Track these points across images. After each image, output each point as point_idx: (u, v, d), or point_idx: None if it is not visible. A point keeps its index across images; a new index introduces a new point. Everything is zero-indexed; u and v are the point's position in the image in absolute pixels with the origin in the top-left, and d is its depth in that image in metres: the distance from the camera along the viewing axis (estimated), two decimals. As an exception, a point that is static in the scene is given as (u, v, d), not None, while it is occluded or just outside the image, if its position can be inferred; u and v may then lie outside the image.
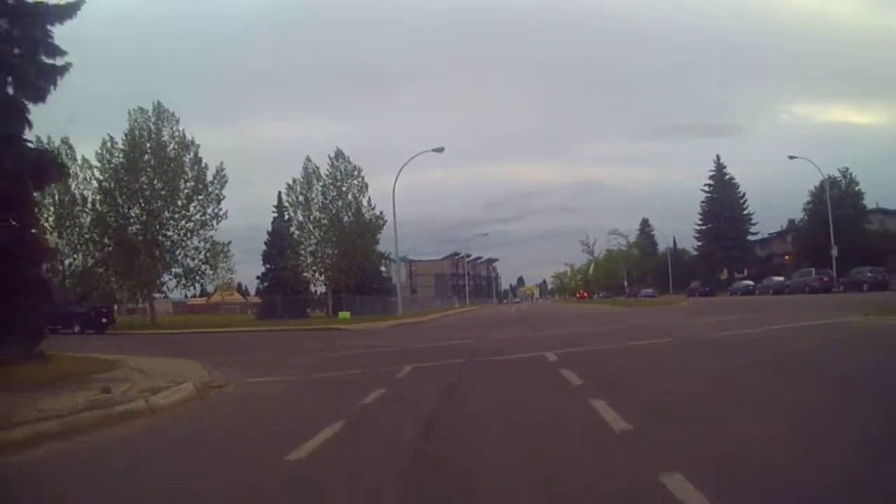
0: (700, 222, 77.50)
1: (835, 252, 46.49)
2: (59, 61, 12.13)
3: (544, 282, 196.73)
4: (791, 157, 48.51)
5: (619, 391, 6.87)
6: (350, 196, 44.26)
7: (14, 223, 11.16)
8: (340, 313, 37.91)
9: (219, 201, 34.04)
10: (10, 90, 11.42)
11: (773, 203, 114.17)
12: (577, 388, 7.34)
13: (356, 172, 44.59)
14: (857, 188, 57.10)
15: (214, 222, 33.90)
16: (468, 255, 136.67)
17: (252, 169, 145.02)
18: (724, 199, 73.44)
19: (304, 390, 9.15)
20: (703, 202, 76.34)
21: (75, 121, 46.33)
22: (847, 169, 57.51)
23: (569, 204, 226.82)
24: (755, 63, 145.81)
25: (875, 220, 60.15)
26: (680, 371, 8.85)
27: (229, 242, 35.27)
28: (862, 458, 3.99)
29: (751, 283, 54.61)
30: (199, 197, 33.63)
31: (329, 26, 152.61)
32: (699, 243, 79.93)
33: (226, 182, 34.47)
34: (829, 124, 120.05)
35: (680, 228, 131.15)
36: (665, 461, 3.95)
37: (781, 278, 48.74)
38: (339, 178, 44.18)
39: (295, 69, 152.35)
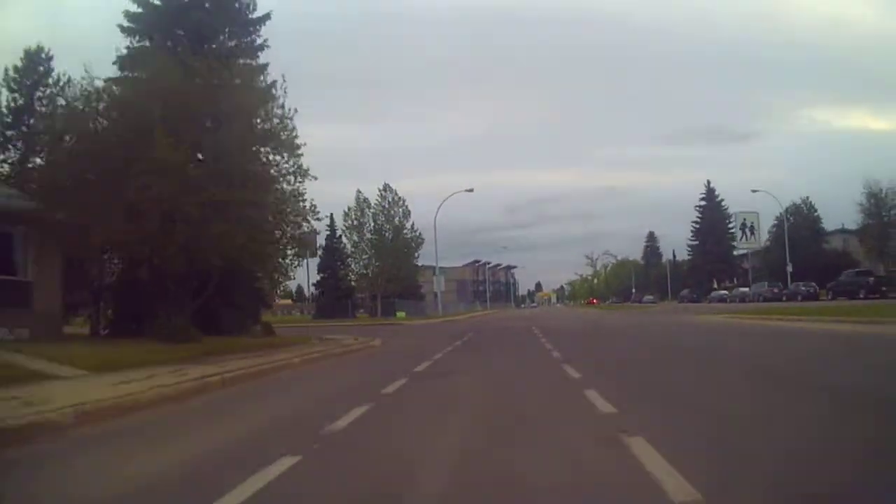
0: (692, 238, 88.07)
1: (790, 269, 56.88)
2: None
3: (561, 287, 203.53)
4: (754, 191, 59.24)
5: (559, 342, 17.97)
6: (396, 220, 55.77)
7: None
8: (397, 313, 49.39)
9: None
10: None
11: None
12: (544, 340, 18.37)
13: (401, 202, 56.21)
14: (815, 214, 67.67)
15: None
16: (488, 263, 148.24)
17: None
18: (712, 218, 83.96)
19: (421, 342, 20.17)
20: (693, 221, 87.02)
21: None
22: (808, 198, 68.21)
23: (588, 209, 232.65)
24: (774, 68, 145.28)
25: (838, 239, 70.33)
26: (596, 346, 20.00)
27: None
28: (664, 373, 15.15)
29: (725, 292, 65.29)
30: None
31: (349, 30, 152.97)
32: (690, 256, 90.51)
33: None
34: (846, 129, 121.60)
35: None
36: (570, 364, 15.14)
37: (746, 289, 59.41)
38: (387, 206, 55.76)
39: (310, 72, 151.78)
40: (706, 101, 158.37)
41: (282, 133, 16.91)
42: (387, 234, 56.16)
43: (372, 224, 56.30)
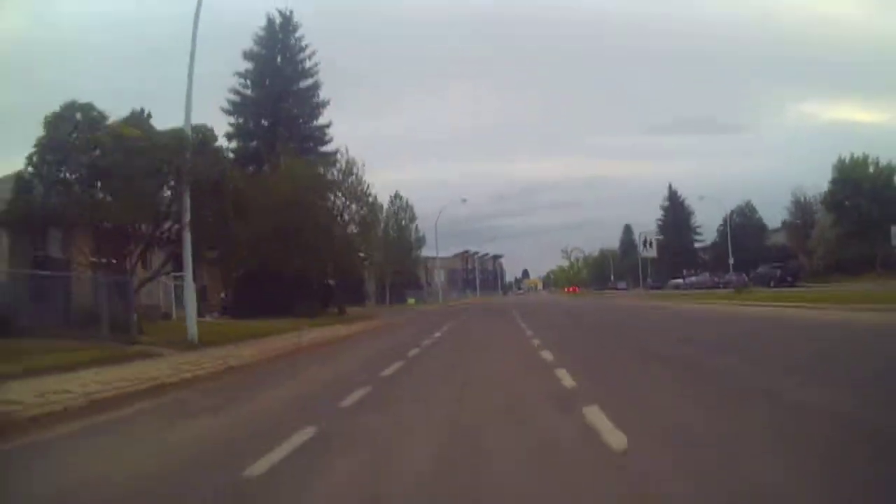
0: (658, 233, 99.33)
1: (731, 261, 68.06)
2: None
3: (548, 274, 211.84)
4: (700, 198, 70.55)
5: (530, 318, 28.80)
6: (403, 222, 66.47)
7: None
8: (408, 300, 60.17)
9: None
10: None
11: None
12: (518, 317, 29.18)
13: (408, 208, 66.92)
14: (757, 215, 79.29)
15: None
16: (477, 253, 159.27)
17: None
18: (675, 216, 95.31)
19: (439, 316, 30.99)
20: (658, 219, 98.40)
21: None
22: (749, 201, 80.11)
23: (575, 198, 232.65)
24: (762, 61, 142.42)
25: (782, 235, 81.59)
26: (549, 314, 30.93)
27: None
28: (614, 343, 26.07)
29: (680, 280, 76.68)
30: None
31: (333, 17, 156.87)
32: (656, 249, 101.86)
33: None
34: (834, 122, 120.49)
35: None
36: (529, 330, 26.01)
37: (694, 278, 70.73)
38: (397, 211, 66.42)
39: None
40: (696, 93, 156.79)
41: (359, 189, 27.75)
42: (393, 233, 66.81)
43: (383, 225, 66.99)
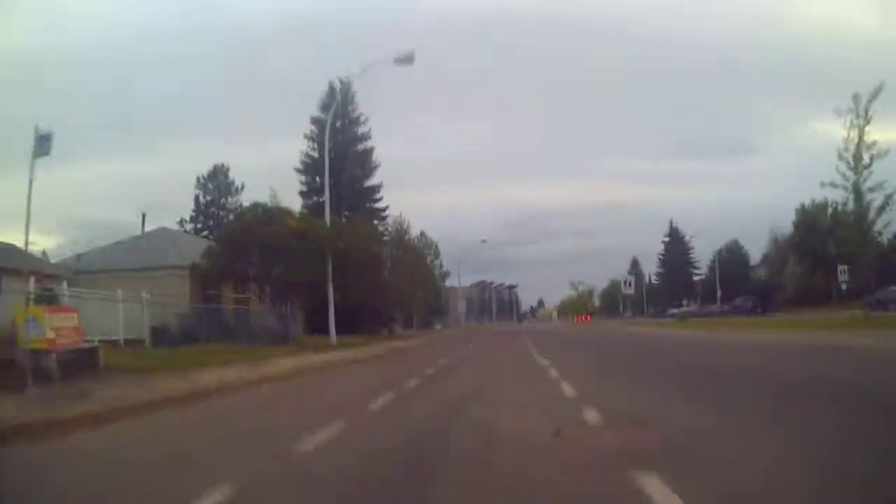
0: (658, 266, 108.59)
1: (719, 293, 77.00)
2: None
3: (562, 303, 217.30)
4: (692, 236, 79.89)
5: (541, 344, 38.27)
6: (430, 259, 76.19)
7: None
8: (436, 326, 69.79)
9: None
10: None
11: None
12: (528, 340, 38.62)
13: (432, 245, 76.62)
14: (743, 250, 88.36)
15: None
16: (493, 283, 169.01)
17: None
18: (674, 251, 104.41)
19: (466, 337, 40.57)
20: (659, 254, 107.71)
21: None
22: (736, 239, 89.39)
23: (589, 225, 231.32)
24: (778, 81, 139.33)
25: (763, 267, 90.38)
26: (555, 338, 40.38)
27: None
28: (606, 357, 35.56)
29: (675, 310, 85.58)
30: None
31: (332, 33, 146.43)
32: (658, 281, 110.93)
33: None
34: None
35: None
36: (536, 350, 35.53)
37: (682, 309, 79.66)
38: (422, 247, 76.25)
39: (298, 79, 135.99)
40: (710, 114, 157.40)
41: (407, 242, 37.58)
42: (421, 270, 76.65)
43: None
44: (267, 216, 24.22)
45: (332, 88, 46.37)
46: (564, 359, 15.75)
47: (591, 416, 6.15)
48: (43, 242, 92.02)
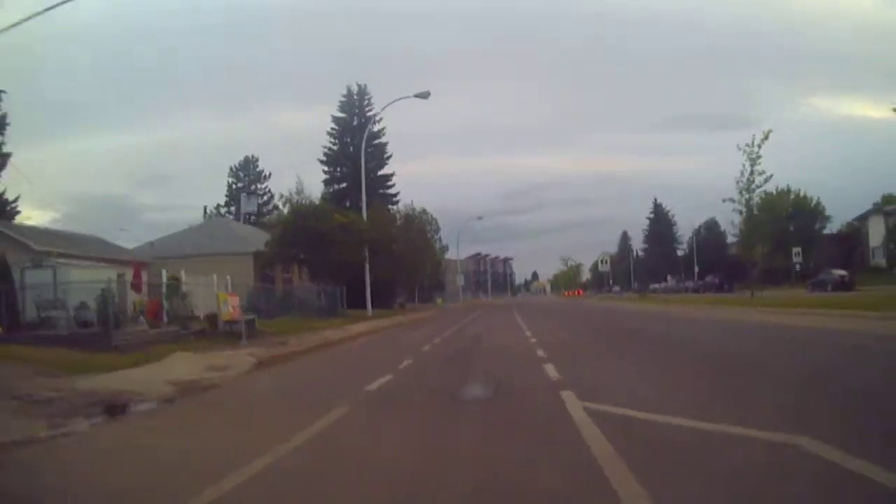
0: (643, 242, 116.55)
1: (696, 269, 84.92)
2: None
3: (555, 276, 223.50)
4: (672, 215, 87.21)
5: (530, 316, 46.06)
6: (428, 234, 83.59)
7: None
8: (438, 300, 77.44)
9: None
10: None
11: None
12: (516, 311, 46.41)
13: (433, 220, 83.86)
14: (720, 229, 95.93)
15: None
16: (488, 255, 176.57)
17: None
18: (659, 228, 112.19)
19: (467, 309, 48.43)
20: (644, 229, 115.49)
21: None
22: (713, 217, 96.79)
23: (585, 195, 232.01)
24: (774, 55, 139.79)
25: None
26: (537, 310, 48.25)
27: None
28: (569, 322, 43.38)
29: (657, 285, 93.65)
30: None
31: (339, 16, 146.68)
32: (643, 255, 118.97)
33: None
34: (848, 118, 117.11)
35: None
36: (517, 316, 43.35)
37: (663, 284, 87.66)
38: (424, 225, 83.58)
39: (306, 57, 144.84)
40: (706, 88, 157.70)
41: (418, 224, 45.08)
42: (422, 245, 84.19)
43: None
44: (318, 212, 31.66)
45: (350, 92, 53.56)
46: (535, 322, 23.84)
47: (533, 341, 14.02)
48: (39, 216, 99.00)
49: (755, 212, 34.01)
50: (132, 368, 11.12)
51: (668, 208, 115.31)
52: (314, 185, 50.41)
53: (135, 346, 14.21)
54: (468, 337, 18.68)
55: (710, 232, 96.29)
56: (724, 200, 34.29)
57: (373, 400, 7.68)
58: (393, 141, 56.11)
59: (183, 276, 23.82)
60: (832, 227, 78.02)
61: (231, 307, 18.26)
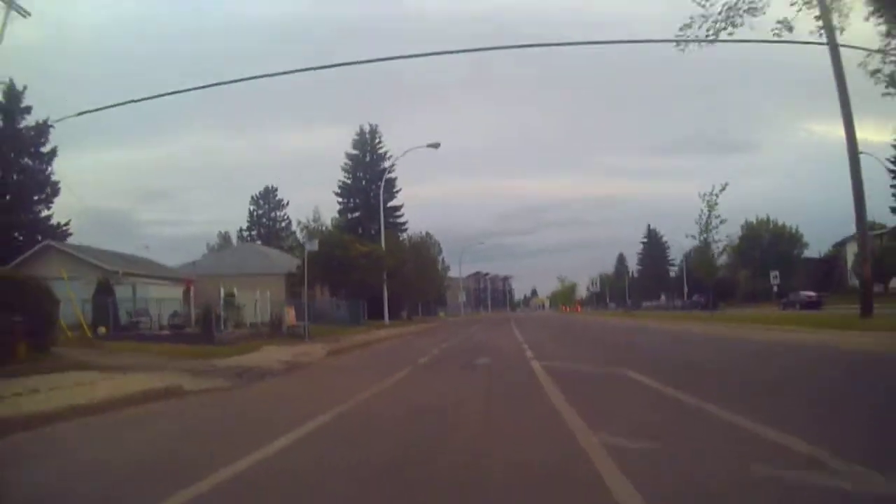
0: (638, 264, 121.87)
1: (685, 289, 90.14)
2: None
3: (553, 294, 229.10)
4: (665, 240, 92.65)
5: (524, 326, 51.23)
6: (434, 256, 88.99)
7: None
8: (440, 314, 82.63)
9: None
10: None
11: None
12: (515, 327, 51.57)
13: (435, 242, 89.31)
14: (709, 252, 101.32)
15: None
16: (488, 274, 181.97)
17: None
18: (652, 251, 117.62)
19: (468, 322, 53.57)
20: (639, 252, 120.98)
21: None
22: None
23: (584, 217, 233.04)
24: (772, 80, 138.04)
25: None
26: (536, 326, 53.47)
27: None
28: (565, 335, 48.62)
29: (650, 303, 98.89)
30: None
31: (338, 34, 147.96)
32: (638, 276, 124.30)
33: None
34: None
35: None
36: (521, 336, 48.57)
37: (653, 302, 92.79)
38: (430, 250, 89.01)
39: (300, 75, 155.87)
40: (703, 112, 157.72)
41: (424, 251, 50.44)
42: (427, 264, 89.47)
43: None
44: (343, 243, 36.99)
45: (362, 131, 59.59)
46: (528, 332, 28.72)
47: (525, 345, 19.15)
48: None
49: (737, 241, 39.50)
50: (242, 355, 16.25)
51: (661, 233, 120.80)
52: (325, 206, 55.97)
53: (227, 341, 19.41)
54: (474, 340, 23.90)
55: (700, 254, 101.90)
56: (686, 236, 39.78)
57: (422, 367, 12.97)
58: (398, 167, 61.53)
59: (235, 292, 29.08)
60: (821, 251, 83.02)
61: (291, 316, 23.57)
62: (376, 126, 61.10)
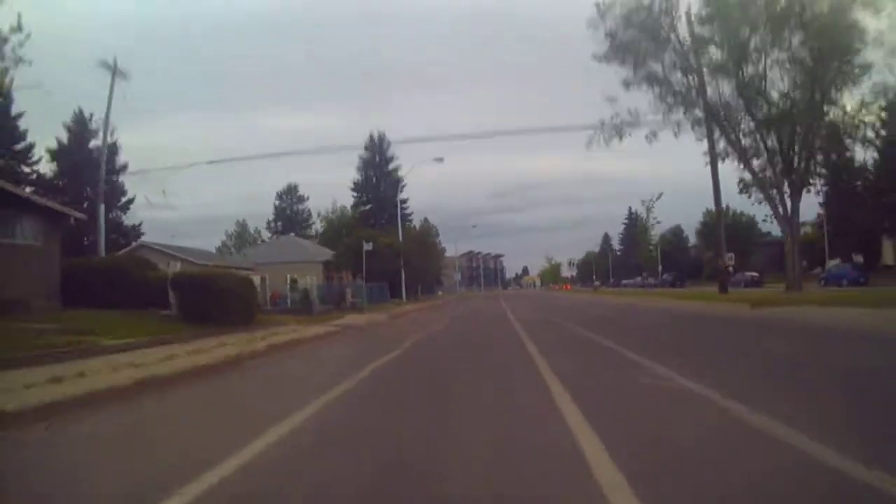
0: (619, 243, 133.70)
1: (660, 268, 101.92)
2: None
3: (542, 272, 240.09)
4: (647, 219, 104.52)
5: (510, 300, 62.76)
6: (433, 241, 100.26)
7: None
8: (439, 293, 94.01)
9: None
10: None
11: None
12: (503, 301, 63.06)
13: (433, 227, 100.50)
14: (683, 235, 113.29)
15: None
16: (480, 253, 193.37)
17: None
18: (632, 232, 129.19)
19: (465, 299, 65.08)
20: (620, 233, 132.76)
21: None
22: (679, 225, 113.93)
23: (574, 194, 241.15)
24: None
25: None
26: (522, 302, 65.06)
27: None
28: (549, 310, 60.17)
29: (629, 280, 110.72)
30: None
31: (338, 19, 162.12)
32: (620, 254, 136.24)
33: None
34: None
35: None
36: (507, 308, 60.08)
37: (638, 279, 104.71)
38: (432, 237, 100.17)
39: (302, 60, 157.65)
40: None
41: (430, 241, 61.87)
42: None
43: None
44: (370, 236, 48.11)
45: (372, 137, 70.80)
46: (513, 305, 40.05)
47: (509, 312, 30.82)
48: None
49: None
50: (341, 319, 27.47)
51: (642, 214, 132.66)
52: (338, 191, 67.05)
53: (318, 313, 30.66)
54: (474, 309, 35.35)
55: (675, 237, 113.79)
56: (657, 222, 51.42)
57: (452, 321, 24.50)
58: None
59: (297, 277, 40.38)
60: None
61: (350, 294, 34.94)
62: (384, 133, 72.70)
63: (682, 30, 32.39)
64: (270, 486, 4.16)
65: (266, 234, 78.16)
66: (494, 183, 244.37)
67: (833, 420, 5.25)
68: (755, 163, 33.94)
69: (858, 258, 62.98)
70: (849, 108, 31.08)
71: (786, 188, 32.84)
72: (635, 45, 32.42)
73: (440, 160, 49.42)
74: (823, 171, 38.01)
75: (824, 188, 67.05)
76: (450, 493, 3.83)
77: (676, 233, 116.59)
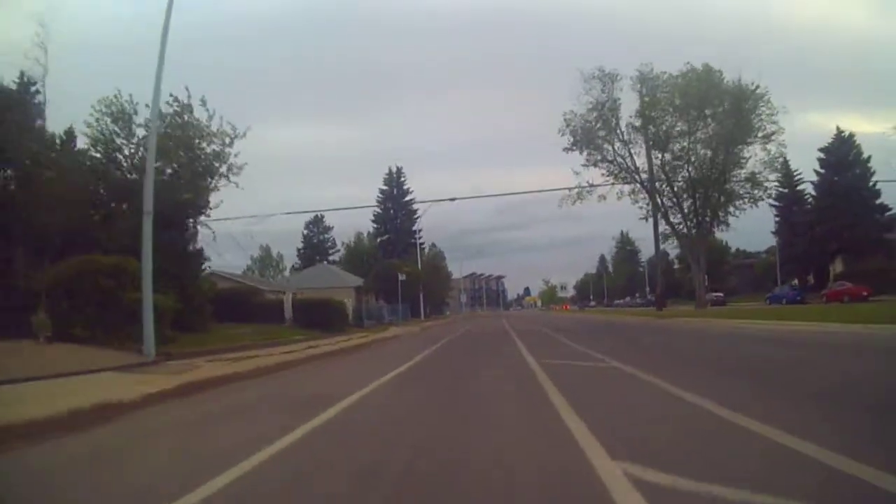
0: (612, 266, 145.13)
1: (647, 290, 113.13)
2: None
3: (541, 293, 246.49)
4: (631, 248, 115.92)
5: (513, 321, 73.89)
6: (442, 266, 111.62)
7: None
8: (447, 312, 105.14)
9: None
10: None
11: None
12: (505, 319, 74.12)
13: (440, 252, 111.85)
14: (669, 257, 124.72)
15: None
16: (482, 274, 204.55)
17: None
18: (624, 254, 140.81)
19: (472, 318, 76.18)
20: (613, 256, 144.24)
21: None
22: (664, 248, 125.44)
23: (573, 211, 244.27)
24: (768, 70, 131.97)
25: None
26: (522, 321, 76.29)
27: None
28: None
29: (620, 301, 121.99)
30: None
31: (338, 29, 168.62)
32: (613, 276, 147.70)
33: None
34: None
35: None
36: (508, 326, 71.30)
37: (628, 299, 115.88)
38: (442, 263, 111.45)
39: (298, 71, 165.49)
40: None
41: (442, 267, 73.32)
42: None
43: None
44: (395, 266, 59.43)
45: (390, 171, 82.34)
46: (514, 323, 51.17)
47: (509, 328, 42.00)
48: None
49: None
50: (386, 331, 38.66)
51: (634, 238, 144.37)
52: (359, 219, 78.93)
53: (368, 326, 41.85)
54: (481, 324, 46.58)
55: (661, 260, 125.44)
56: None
57: (472, 328, 35.91)
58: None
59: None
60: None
61: (387, 313, 46.18)
62: (401, 168, 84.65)
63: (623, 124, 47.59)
64: (392, 399, 15.02)
65: (294, 260, 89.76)
66: (495, 201, 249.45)
67: (656, 365, 16.60)
68: (673, 219, 48.07)
69: (810, 279, 74.32)
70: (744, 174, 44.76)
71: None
72: (589, 139, 46.92)
73: (452, 199, 61.06)
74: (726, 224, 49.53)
75: (777, 219, 78.75)
76: (476, 369, 15.21)
77: (663, 255, 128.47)
